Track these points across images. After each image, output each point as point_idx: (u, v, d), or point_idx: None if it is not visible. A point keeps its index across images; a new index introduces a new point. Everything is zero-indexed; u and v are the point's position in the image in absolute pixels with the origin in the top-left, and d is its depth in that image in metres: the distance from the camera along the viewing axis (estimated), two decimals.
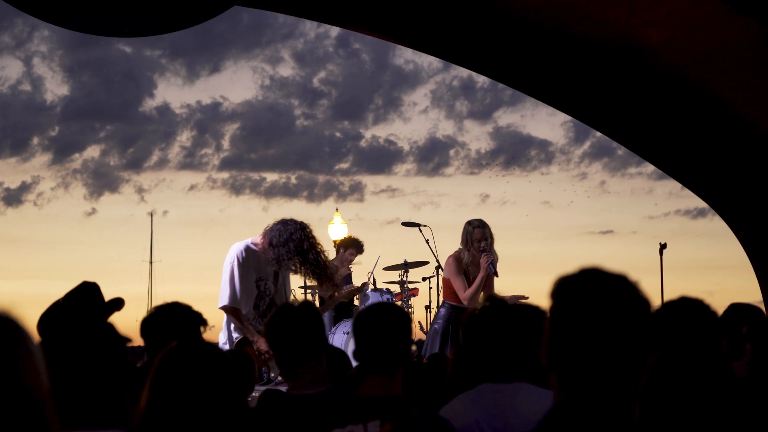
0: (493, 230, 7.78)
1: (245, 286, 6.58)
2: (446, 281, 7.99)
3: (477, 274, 7.69)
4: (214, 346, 2.67)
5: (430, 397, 3.56)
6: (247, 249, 6.64)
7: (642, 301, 1.98)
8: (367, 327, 3.15)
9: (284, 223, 6.57)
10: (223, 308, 6.61)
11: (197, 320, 3.75)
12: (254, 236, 6.72)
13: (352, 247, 10.35)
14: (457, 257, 7.81)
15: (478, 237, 7.67)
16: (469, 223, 7.80)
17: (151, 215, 48.82)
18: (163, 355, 2.56)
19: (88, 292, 4.56)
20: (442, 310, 8.00)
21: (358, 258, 10.45)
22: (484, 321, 3.31)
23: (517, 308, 3.34)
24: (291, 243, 6.46)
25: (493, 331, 3.25)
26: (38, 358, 1.41)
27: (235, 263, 6.56)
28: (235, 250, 6.61)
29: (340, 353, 4.69)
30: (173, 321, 3.71)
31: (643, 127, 11.56)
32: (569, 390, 1.96)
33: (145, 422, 2.45)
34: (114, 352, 2.32)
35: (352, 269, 10.46)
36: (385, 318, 3.16)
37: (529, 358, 3.30)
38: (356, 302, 10.42)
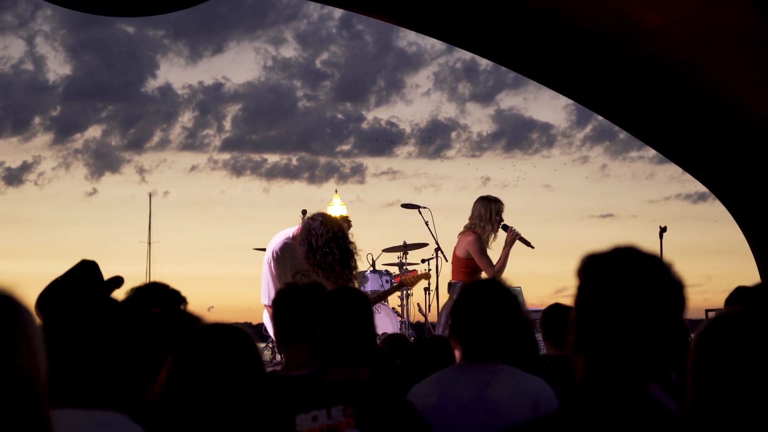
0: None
1: (282, 283, 6.07)
2: (461, 261, 7.73)
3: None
4: (237, 328, 2.66)
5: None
6: (285, 244, 6.20)
7: (676, 282, 1.95)
8: (330, 315, 3.11)
9: (323, 223, 5.94)
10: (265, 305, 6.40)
11: (176, 299, 3.71)
12: (293, 227, 6.26)
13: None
14: (479, 236, 7.64)
15: (502, 212, 7.66)
16: (490, 199, 7.68)
17: (150, 196, 48.76)
18: (187, 336, 2.59)
19: (87, 270, 4.57)
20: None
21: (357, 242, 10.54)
22: (469, 297, 3.30)
23: (505, 288, 3.33)
24: (332, 243, 5.89)
25: (477, 309, 3.24)
26: (36, 339, 1.40)
27: (272, 262, 6.21)
28: (271, 247, 6.25)
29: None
30: (151, 302, 3.65)
31: (644, 111, 11.56)
32: (596, 371, 1.92)
33: (163, 400, 2.47)
34: (115, 329, 2.31)
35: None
36: (347, 305, 3.12)
37: (510, 339, 3.31)
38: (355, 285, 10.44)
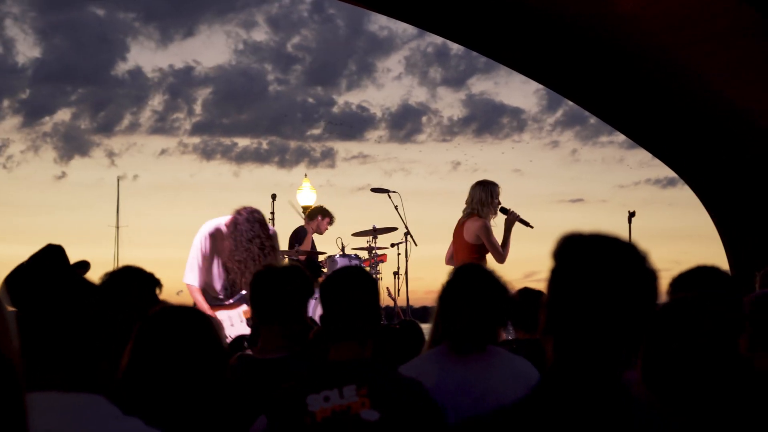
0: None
1: (207, 268, 6.45)
2: (471, 246, 7.69)
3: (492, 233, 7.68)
4: (197, 310, 2.67)
5: (401, 361, 3.56)
6: (216, 232, 6.41)
7: (650, 271, 1.94)
8: (335, 292, 3.09)
9: (248, 221, 6.31)
10: (186, 283, 6.52)
11: (151, 282, 3.69)
12: (227, 216, 6.43)
13: (328, 216, 10.38)
14: (486, 221, 7.67)
15: (499, 195, 7.70)
16: (487, 183, 7.71)
17: (118, 180, 48.41)
18: (147, 318, 2.58)
19: (53, 254, 4.52)
20: None
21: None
22: (458, 282, 3.30)
23: (491, 272, 3.34)
24: (252, 243, 6.29)
25: (468, 294, 3.24)
26: (9, 323, 1.38)
27: (199, 245, 6.42)
28: (202, 232, 6.43)
29: None
30: (127, 286, 3.57)
31: (614, 97, 11.60)
32: (566, 355, 1.91)
33: (125, 384, 2.46)
34: (90, 311, 2.28)
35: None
36: (354, 283, 3.11)
37: (498, 322, 3.33)
38: (324, 269, 10.42)
